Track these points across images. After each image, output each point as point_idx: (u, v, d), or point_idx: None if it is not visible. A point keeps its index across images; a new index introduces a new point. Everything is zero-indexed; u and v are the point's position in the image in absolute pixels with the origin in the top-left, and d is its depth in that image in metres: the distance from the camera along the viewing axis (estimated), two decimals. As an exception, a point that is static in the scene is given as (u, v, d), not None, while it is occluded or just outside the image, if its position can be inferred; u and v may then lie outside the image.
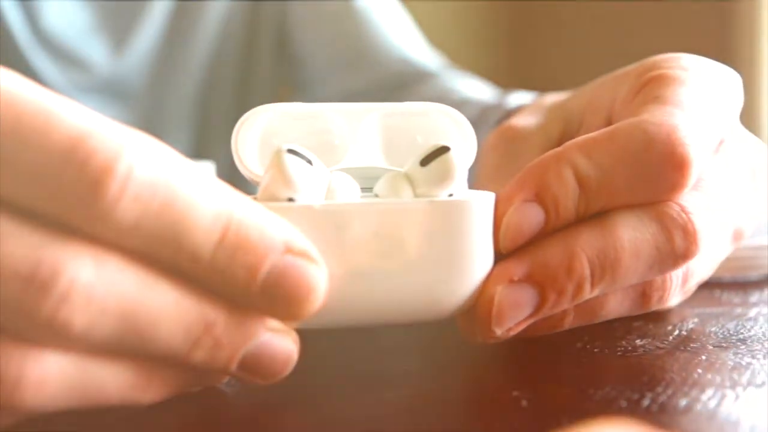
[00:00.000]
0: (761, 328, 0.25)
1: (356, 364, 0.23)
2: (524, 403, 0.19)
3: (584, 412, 0.18)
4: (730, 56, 1.70)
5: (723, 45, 1.77)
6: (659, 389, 0.20)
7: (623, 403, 0.19)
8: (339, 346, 0.24)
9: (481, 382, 0.21)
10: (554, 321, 0.23)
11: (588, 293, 0.21)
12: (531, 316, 0.21)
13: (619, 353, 0.23)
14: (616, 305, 0.23)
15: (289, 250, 0.17)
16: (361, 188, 0.21)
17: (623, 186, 0.21)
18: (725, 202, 0.24)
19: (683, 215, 0.22)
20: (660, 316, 0.27)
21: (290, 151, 0.19)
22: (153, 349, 0.17)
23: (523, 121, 0.32)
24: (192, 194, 0.16)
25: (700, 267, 0.24)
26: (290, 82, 0.67)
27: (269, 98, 0.67)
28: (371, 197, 0.21)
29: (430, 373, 0.22)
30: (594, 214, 0.22)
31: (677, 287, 0.24)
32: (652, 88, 0.24)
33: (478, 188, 0.23)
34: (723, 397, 0.19)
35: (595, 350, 0.23)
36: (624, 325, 0.26)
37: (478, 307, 0.21)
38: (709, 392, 0.19)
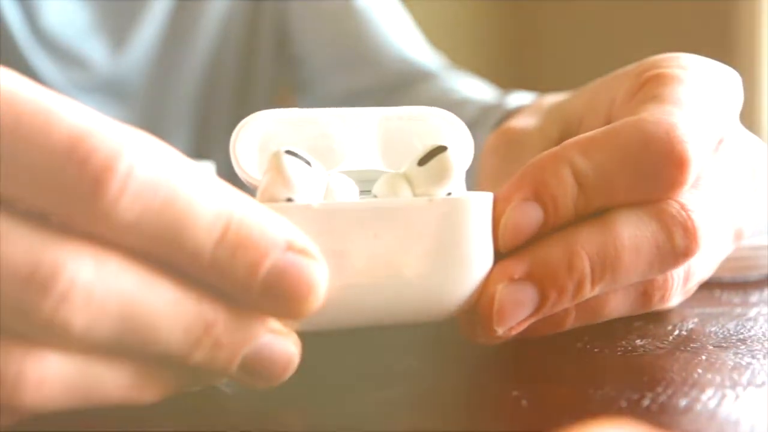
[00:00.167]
0: (761, 328, 0.25)
1: (356, 364, 0.23)
2: (524, 403, 0.19)
3: (584, 412, 0.18)
4: (730, 56, 1.70)
5: (723, 45, 1.77)
6: (659, 389, 0.20)
7: (623, 403, 0.19)
8: (339, 346, 0.24)
9: (481, 382, 0.21)
10: (556, 321, 0.23)
11: (589, 292, 0.21)
12: (532, 315, 0.21)
13: (619, 353, 0.23)
14: (618, 305, 0.23)
15: (290, 247, 0.17)
16: (360, 191, 0.21)
17: (622, 184, 0.21)
18: (725, 201, 0.24)
19: (683, 213, 0.22)
20: (660, 316, 0.27)
21: (288, 152, 0.20)
22: (153, 349, 0.17)
23: (522, 123, 0.32)
24: (193, 193, 0.16)
25: (701, 266, 0.24)
26: (290, 82, 0.67)
27: (269, 98, 0.67)
28: (370, 198, 0.21)
29: (430, 372, 0.22)
30: (594, 213, 0.22)
31: (678, 286, 0.24)
32: (650, 88, 0.24)
33: (478, 190, 0.23)
34: (723, 397, 0.19)
35: (595, 350, 0.23)
36: (624, 325, 0.26)
37: (479, 307, 0.21)
38: (709, 392, 0.19)
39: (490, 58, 2.12)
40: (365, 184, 0.22)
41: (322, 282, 0.18)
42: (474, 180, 0.33)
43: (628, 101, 0.25)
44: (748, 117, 1.57)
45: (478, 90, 0.57)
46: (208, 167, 0.43)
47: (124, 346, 0.17)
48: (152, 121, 0.62)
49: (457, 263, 0.20)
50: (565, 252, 0.21)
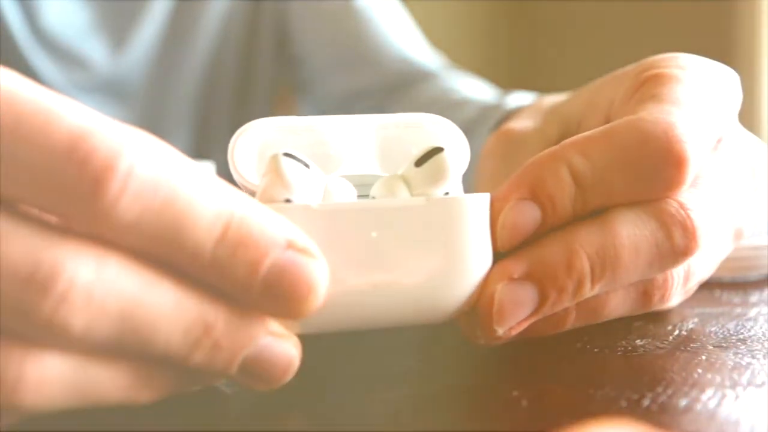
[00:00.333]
0: (761, 328, 0.25)
1: (356, 364, 0.23)
2: (524, 403, 0.19)
3: (584, 412, 0.18)
4: (730, 56, 1.70)
5: (723, 45, 1.77)
6: (659, 389, 0.20)
7: (623, 403, 0.19)
8: (339, 347, 0.24)
9: (481, 382, 0.21)
10: (556, 321, 0.23)
11: (589, 291, 0.21)
12: (532, 314, 0.21)
13: (619, 353, 0.23)
14: (618, 304, 0.23)
15: (290, 246, 0.17)
16: (357, 195, 0.22)
17: (620, 183, 0.21)
18: (724, 200, 0.24)
19: (682, 212, 0.22)
20: (660, 316, 0.27)
21: (287, 155, 0.20)
22: (152, 350, 0.17)
23: (522, 125, 0.32)
24: (193, 192, 0.16)
25: (701, 266, 0.24)
26: (290, 82, 0.67)
27: (269, 98, 0.67)
28: (368, 199, 0.21)
29: (430, 373, 0.22)
30: (592, 213, 0.22)
31: (679, 286, 0.24)
32: (648, 87, 0.24)
33: (477, 192, 0.23)
34: (723, 397, 0.19)
35: (595, 350, 0.23)
36: (624, 325, 0.26)
37: (479, 307, 0.21)
38: (709, 392, 0.19)
39: (490, 58, 2.12)
40: (363, 188, 0.22)
41: (322, 281, 0.18)
42: (473, 181, 0.33)
43: (626, 101, 0.25)
44: (748, 117, 1.57)
45: (478, 90, 0.57)
46: (208, 167, 0.43)
47: (123, 346, 0.17)
48: (152, 121, 0.62)
49: (456, 263, 0.20)
50: (564, 251, 0.21)
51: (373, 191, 0.22)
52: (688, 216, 0.22)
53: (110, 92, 0.60)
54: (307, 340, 0.19)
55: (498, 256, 0.21)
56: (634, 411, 0.18)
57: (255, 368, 0.18)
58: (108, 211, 0.16)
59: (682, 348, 0.23)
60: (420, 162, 0.21)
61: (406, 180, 0.21)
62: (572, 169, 0.21)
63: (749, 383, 0.20)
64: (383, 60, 0.62)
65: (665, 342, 0.24)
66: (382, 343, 0.25)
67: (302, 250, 0.17)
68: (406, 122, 0.23)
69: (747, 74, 1.71)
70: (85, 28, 0.59)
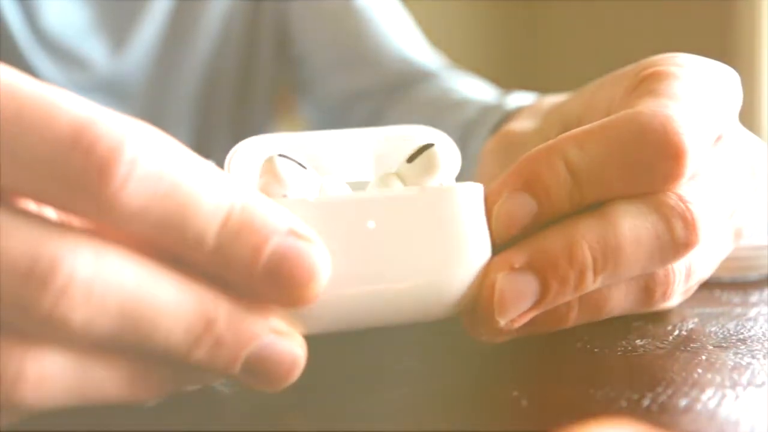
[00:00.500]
0: (761, 328, 0.25)
1: (356, 364, 0.23)
2: (524, 403, 0.19)
3: (584, 412, 0.18)
4: (730, 56, 1.70)
5: (723, 45, 1.77)
6: (659, 389, 0.20)
7: (623, 403, 0.19)
8: (339, 346, 0.24)
9: (481, 382, 0.21)
10: (559, 316, 0.22)
11: (591, 283, 0.21)
12: (534, 307, 0.21)
13: (619, 353, 0.23)
14: (621, 300, 0.23)
15: (292, 232, 0.17)
16: None
17: (618, 176, 0.21)
18: (724, 195, 0.23)
19: (681, 204, 0.22)
20: (660, 316, 0.27)
21: (282, 156, 0.20)
22: (153, 346, 0.17)
23: (522, 126, 0.32)
24: (196, 180, 0.17)
25: (702, 263, 0.24)
26: (290, 82, 0.67)
27: (269, 98, 0.67)
28: None
29: (430, 373, 0.22)
30: (592, 206, 0.22)
31: (680, 282, 0.24)
32: (647, 84, 0.24)
33: None
34: (723, 397, 0.19)
35: (595, 350, 0.23)
36: (624, 325, 0.26)
37: (480, 299, 0.21)
38: (709, 392, 0.19)
39: (490, 58, 2.12)
40: (358, 191, 0.23)
41: (324, 267, 0.18)
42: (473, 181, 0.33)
43: (625, 99, 0.25)
44: (748, 117, 1.57)
45: (478, 90, 0.57)
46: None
47: (123, 341, 0.17)
48: (152, 121, 0.61)
49: (453, 251, 0.20)
50: (565, 241, 0.21)
51: (368, 190, 0.22)
52: (688, 208, 0.22)
53: (110, 92, 0.60)
54: (307, 340, 0.19)
55: (498, 250, 0.21)
56: (634, 411, 0.18)
57: (258, 367, 0.18)
58: (112, 199, 0.16)
59: (682, 348, 0.23)
60: (412, 158, 0.22)
61: (399, 176, 0.22)
62: (568, 161, 0.21)
63: (749, 383, 0.20)
64: (383, 60, 0.62)
65: (665, 342, 0.24)
66: (382, 343, 0.25)
67: (303, 237, 0.17)
68: (398, 135, 0.24)
69: (747, 74, 1.71)
70: (85, 28, 0.59)
